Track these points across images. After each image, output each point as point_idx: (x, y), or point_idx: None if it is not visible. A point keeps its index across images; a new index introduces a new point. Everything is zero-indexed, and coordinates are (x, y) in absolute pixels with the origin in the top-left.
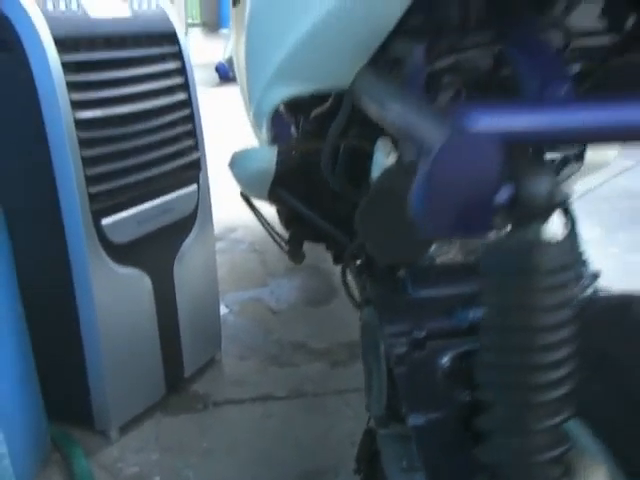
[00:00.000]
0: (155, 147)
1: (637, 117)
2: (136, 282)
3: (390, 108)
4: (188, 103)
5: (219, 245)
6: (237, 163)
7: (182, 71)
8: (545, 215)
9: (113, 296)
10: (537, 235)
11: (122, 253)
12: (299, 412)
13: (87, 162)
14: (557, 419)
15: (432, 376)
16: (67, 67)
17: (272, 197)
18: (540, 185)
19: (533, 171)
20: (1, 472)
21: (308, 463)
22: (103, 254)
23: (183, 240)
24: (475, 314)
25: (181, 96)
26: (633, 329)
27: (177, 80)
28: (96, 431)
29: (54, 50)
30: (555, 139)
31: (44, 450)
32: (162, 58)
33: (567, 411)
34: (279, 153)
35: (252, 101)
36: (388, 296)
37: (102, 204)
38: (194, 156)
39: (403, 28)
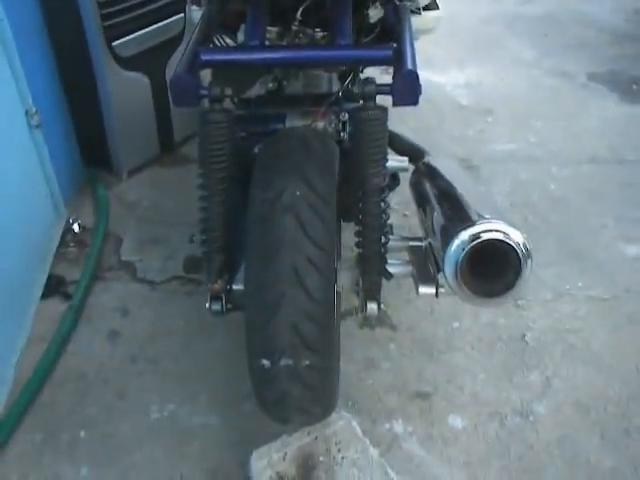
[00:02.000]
0: None
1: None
2: (139, 81)
3: None
4: None
5: None
6: None
7: None
8: None
9: (123, 90)
10: None
11: (128, 63)
12: None
13: (102, 5)
14: None
15: None
16: None
17: None
18: None
19: None
20: None
21: None
22: (114, 64)
23: (172, 53)
24: None
25: None
26: None
27: None
28: (113, 173)
29: None
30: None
31: (79, 182)
32: None
33: None
34: None
35: None
36: None
37: (112, 32)
38: None
39: None
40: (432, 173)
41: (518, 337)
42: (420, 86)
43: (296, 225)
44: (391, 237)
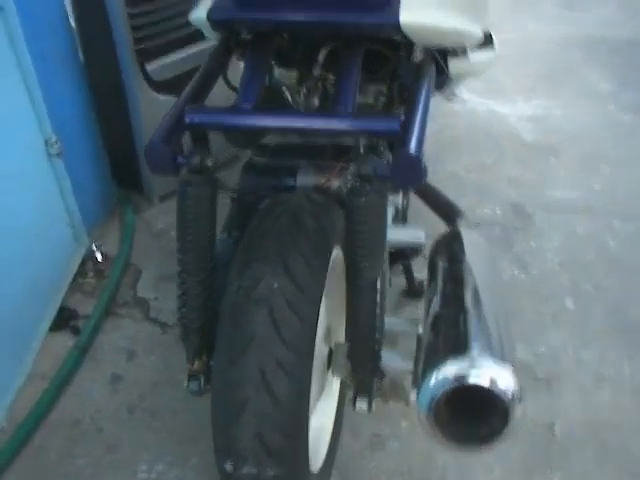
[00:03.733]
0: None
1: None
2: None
3: None
4: None
5: None
6: None
7: None
8: None
9: (155, 112)
10: None
11: (160, 87)
12: None
13: (135, 30)
14: None
15: None
16: None
17: None
18: None
19: None
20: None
21: None
22: (147, 87)
23: None
24: None
25: None
26: None
27: None
28: (144, 197)
29: None
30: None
31: (110, 205)
32: None
33: None
34: None
35: None
36: None
37: (145, 55)
38: None
39: None
40: (453, 250)
41: (546, 426)
42: (424, 170)
43: (269, 322)
44: (386, 319)
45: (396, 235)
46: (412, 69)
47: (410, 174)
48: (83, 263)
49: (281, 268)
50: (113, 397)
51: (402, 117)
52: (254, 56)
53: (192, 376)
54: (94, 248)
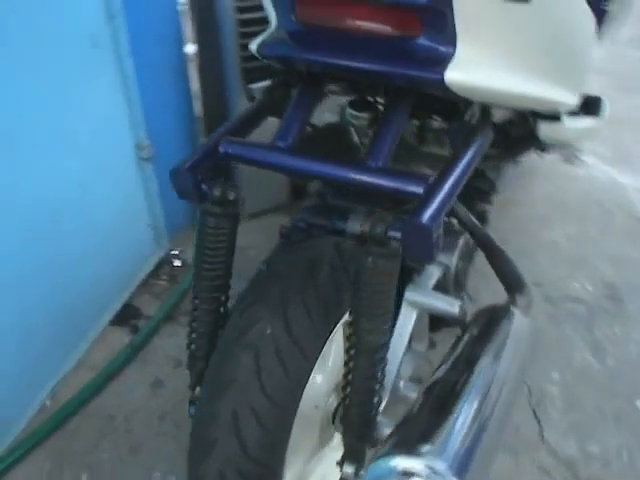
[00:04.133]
0: None
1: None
2: (271, 123)
3: None
4: None
5: None
6: None
7: None
8: None
9: None
10: None
11: None
12: None
13: (242, 48)
14: None
15: None
16: None
17: None
18: None
19: None
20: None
21: None
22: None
23: None
24: None
25: None
26: None
27: None
28: None
29: None
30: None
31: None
32: None
33: None
34: None
35: None
36: None
37: (251, 75)
38: None
39: None
40: (490, 328)
41: None
42: (435, 243)
43: (252, 367)
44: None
45: (430, 300)
46: (465, 128)
47: (418, 245)
48: (159, 266)
49: (279, 315)
50: (150, 401)
51: (431, 179)
52: (300, 95)
53: (192, 402)
54: (173, 253)
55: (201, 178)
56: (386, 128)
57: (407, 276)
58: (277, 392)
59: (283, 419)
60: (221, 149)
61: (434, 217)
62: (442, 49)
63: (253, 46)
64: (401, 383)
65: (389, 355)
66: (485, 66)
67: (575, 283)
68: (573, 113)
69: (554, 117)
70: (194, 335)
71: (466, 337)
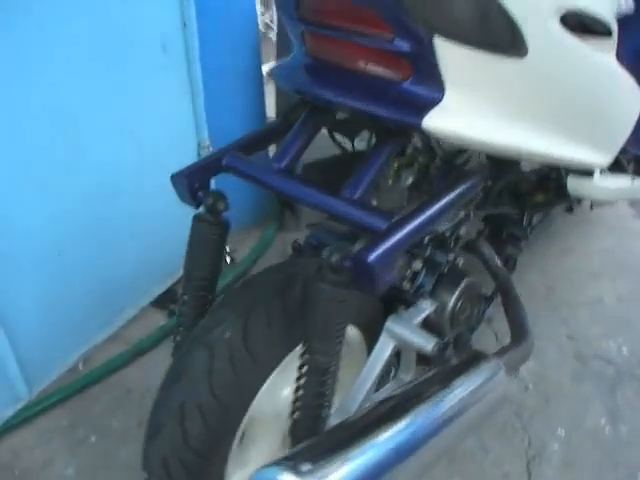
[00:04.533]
0: None
1: None
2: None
3: None
4: None
5: None
6: None
7: None
8: None
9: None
10: None
11: None
12: None
13: None
14: None
15: None
16: None
17: None
18: None
19: None
20: None
21: None
22: None
23: None
24: None
25: None
26: None
27: None
28: (295, 219)
29: None
30: None
31: (261, 215)
32: None
33: None
34: None
35: None
36: None
37: None
38: None
39: None
40: (454, 376)
41: None
42: (377, 281)
43: (205, 366)
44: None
45: (406, 333)
46: (452, 172)
47: (362, 278)
48: None
49: (240, 322)
50: None
51: (397, 218)
52: (303, 121)
53: None
54: (227, 250)
55: (199, 186)
56: (369, 163)
57: (393, 306)
58: (224, 394)
59: (228, 420)
60: (225, 162)
61: (383, 254)
62: (428, 94)
63: (266, 68)
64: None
65: (361, 377)
66: (476, 116)
67: (612, 343)
68: (610, 170)
69: (585, 172)
70: (180, 328)
71: (428, 374)
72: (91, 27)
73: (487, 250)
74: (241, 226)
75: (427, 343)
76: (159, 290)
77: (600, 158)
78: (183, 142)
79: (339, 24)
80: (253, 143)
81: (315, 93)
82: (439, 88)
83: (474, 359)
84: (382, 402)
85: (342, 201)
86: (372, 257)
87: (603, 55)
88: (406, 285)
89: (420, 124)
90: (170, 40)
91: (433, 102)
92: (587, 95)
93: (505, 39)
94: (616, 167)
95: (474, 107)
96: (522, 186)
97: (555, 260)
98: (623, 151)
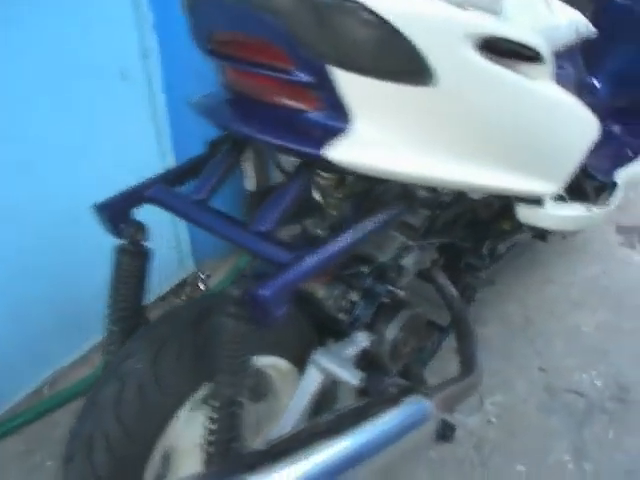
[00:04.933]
0: None
1: None
2: None
3: None
4: None
5: None
6: None
7: None
8: None
9: None
10: None
11: None
12: None
13: None
14: None
15: None
16: None
17: None
18: None
19: None
20: None
21: None
22: None
23: None
24: None
25: None
26: None
27: None
28: None
29: None
30: None
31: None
32: None
33: None
34: None
35: None
36: None
37: None
38: None
39: None
40: (375, 410)
41: None
42: (269, 316)
43: (114, 397)
44: None
45: (331, 366)
46: (362, 203)
47: (256, 311)
48: (183, 285)
49: (152, 354)
50: None
51: (302, 252)
52: (225, 153)
53: None
54: (201, 276)
55: (121, 216)
56: (279, 195)
57: (322, 338)
58: (132, 424)
59: (136, 450)
60: (148, 194)
61: (278, 288)
62: (330, 124)
63: (190, 100)
64: None
65: (289, 408)
66: (390, 146)
67: (584, 375)
68: (563, 198)
69: (534, 201)
70: (107, 355)
71: (343, 409)
72: (48, 56)
73: (442, 280)
74: (217, 253)
75: (353, 378)
76: None
77: (546, 187)
78: (147, 172)
79: (248, 57)
80: (180, 174)
81: (232, 126)
82: (344, 118)
83: (399, 394)
84: (294, 433)
85: (248, 233)
86: (266, 291)
87: (535, 82)
88: (342, 316)
89: (319, 154)
90: (130, 70)
91: (336, 132)
92: (516, 122)
93: (408, 68)
94: (579, 195)
95: (387, 137)
96: (481, 214)
97: (536, 289)
98: (591, 177)
